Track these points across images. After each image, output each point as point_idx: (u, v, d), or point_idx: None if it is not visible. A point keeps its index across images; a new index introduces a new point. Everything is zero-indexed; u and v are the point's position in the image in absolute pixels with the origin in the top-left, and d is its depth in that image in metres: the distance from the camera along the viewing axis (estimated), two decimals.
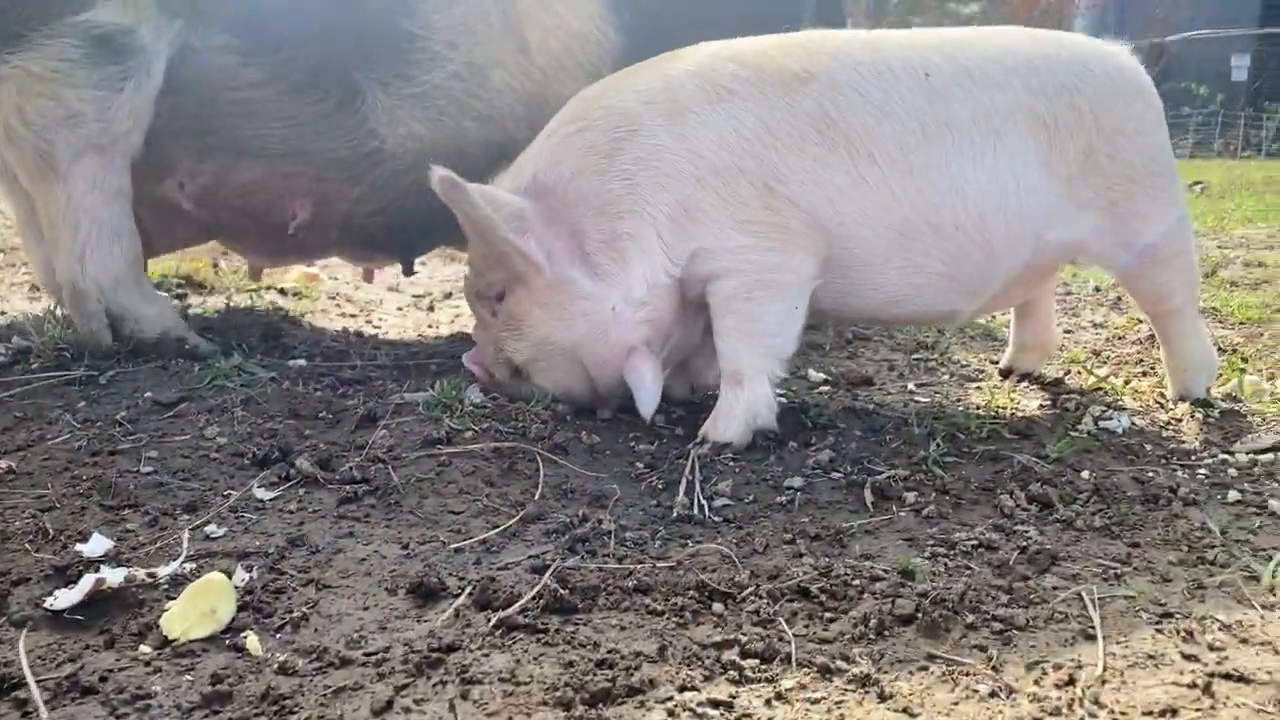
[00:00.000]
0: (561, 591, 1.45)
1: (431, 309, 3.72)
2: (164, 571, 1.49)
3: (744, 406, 2.12)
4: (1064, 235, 2.29)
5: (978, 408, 2.47)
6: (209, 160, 2.62)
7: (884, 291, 2.22)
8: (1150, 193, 2.33)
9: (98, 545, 1.57)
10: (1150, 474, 1.98)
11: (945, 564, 1.60)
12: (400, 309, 3.71)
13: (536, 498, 1.84)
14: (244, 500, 1.80)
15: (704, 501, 1.84)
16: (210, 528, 1.69)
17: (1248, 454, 2.14)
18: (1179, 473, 2.02)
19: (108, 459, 1.96)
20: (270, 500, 1.81)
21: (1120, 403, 2.51)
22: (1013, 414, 2.42)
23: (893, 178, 2.12)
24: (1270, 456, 2.12)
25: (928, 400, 2.57)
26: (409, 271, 3.13)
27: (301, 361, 2.69)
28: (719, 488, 1.89)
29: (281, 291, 3.77)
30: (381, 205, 2.69)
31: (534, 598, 1.44)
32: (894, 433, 2.22)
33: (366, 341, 3.06)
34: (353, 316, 3.51)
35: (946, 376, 2.85)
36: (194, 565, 1.54)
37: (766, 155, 2.09)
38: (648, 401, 2.16)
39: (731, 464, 2.02)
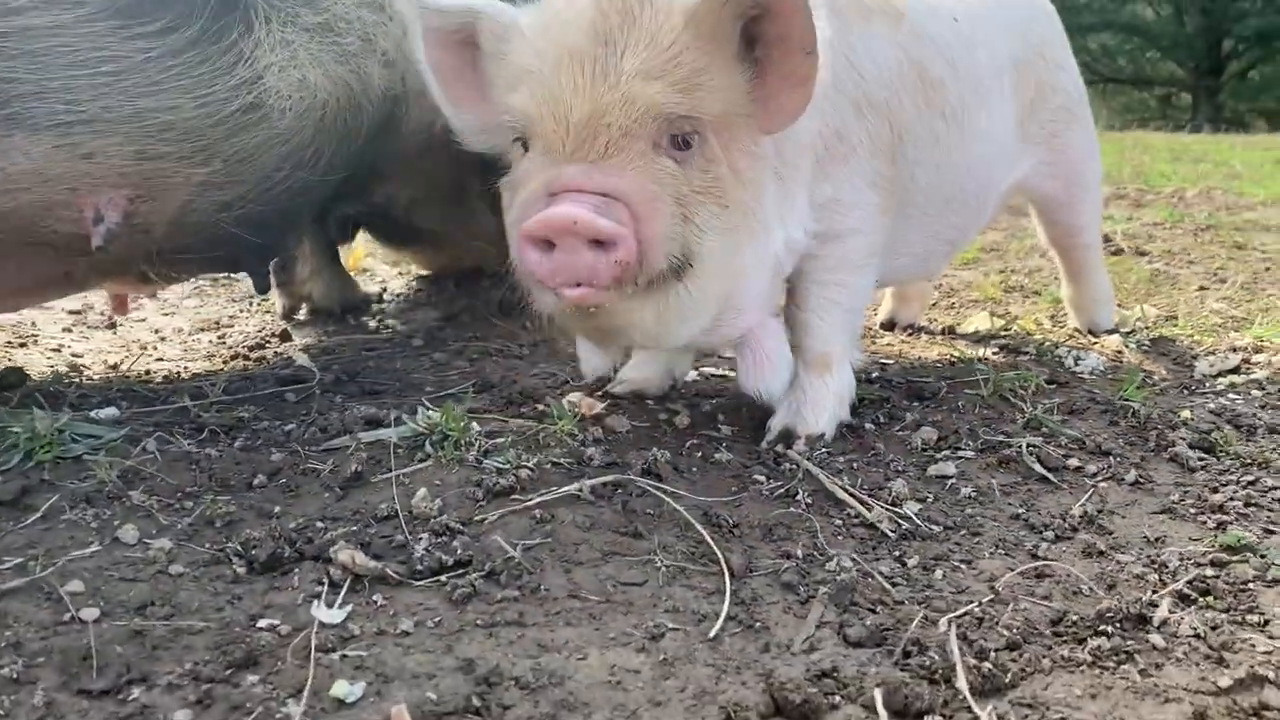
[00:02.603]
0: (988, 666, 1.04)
1: (222, 335, 2.80)
2: None
3: (834, 393, 1.75)
4: (1015, 176, 2.20)
5: (949, 362, 2.29)
6: None
7: (900, 261, 1.96)
8: (1081, 122, 2.31)
9: None
10: (1219, 406, 1.93)
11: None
12: (163, 337, 2.77)
13: (705, 553, 1.36)
14: (312, 635, 1.13)
15: (904, 511, 1.47)
16: (333, 687, 1.03)
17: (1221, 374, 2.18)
18: (1220, 400, 1.99)
19: (51, 618, 1.15)
20: (345, 623, 1.16)
21: (1067, 343, 2.47)
22: (1000, 363, 2.28)
23: (953, 138, 1.85)
24: (1239, 377, 2.17)
25: (894, 365, 2.35)
26: (266, 287, 2.27)
27: (112, 410, 1.85)
28: (893, 489, 1.53)
29: None
30: (242, 192, 1.82)
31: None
32: (937, 400, 1.97)
33: (173, 379, 2.22)
34: (124, 349, 2.56)
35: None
36: None
37: (896, 97, 1.72)
38: (781, 377, 1.68)
39: (837, 460, 1.66)
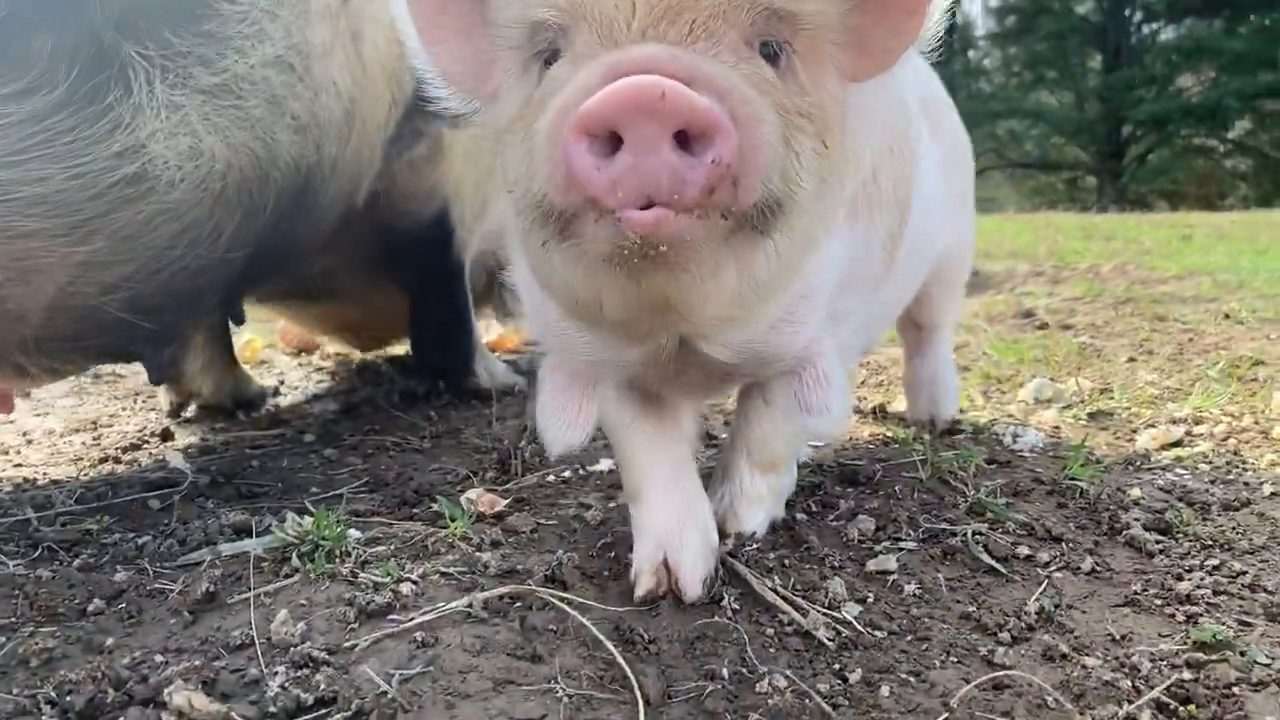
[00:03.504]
0: None
1: (97, 436, 2.54)
2: None
3: (773, 491, 1.56)
4: (941, 246, 2.08)
5: (882, 442, 2.15)
6: None
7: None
8: (971, 189, 2.20)
9: None
10: (1168, 483, 1.81)
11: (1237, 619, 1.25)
12: (29, 440, 2.50)
13: (616, 676, 1.17)
14: None
15: (843, 615, 1.29)
16: None
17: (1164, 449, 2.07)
18: (1168, 475, 1.87)
19: None
20: None
21: (1004, 419, 2.34)
22: (936, 442, 2.14)
23: (935, 180, 1.72)
24: (1183, 450, 2.06)
25: (825, 446, 2.20)
26: (163, 378, 2.02)
27: None
28: (830, 590, 1.35)
29: None
30: (128, 273, 1.61)
31: None
32: (872, 485, 1.81)
33: (25, 487, 1.97)
34: None
35: None
36: None
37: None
38: (841, 403, 1.40)
39: (766, 557, 1.48)
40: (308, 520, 1.48)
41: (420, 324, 2.57)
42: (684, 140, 0.89)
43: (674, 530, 1.36)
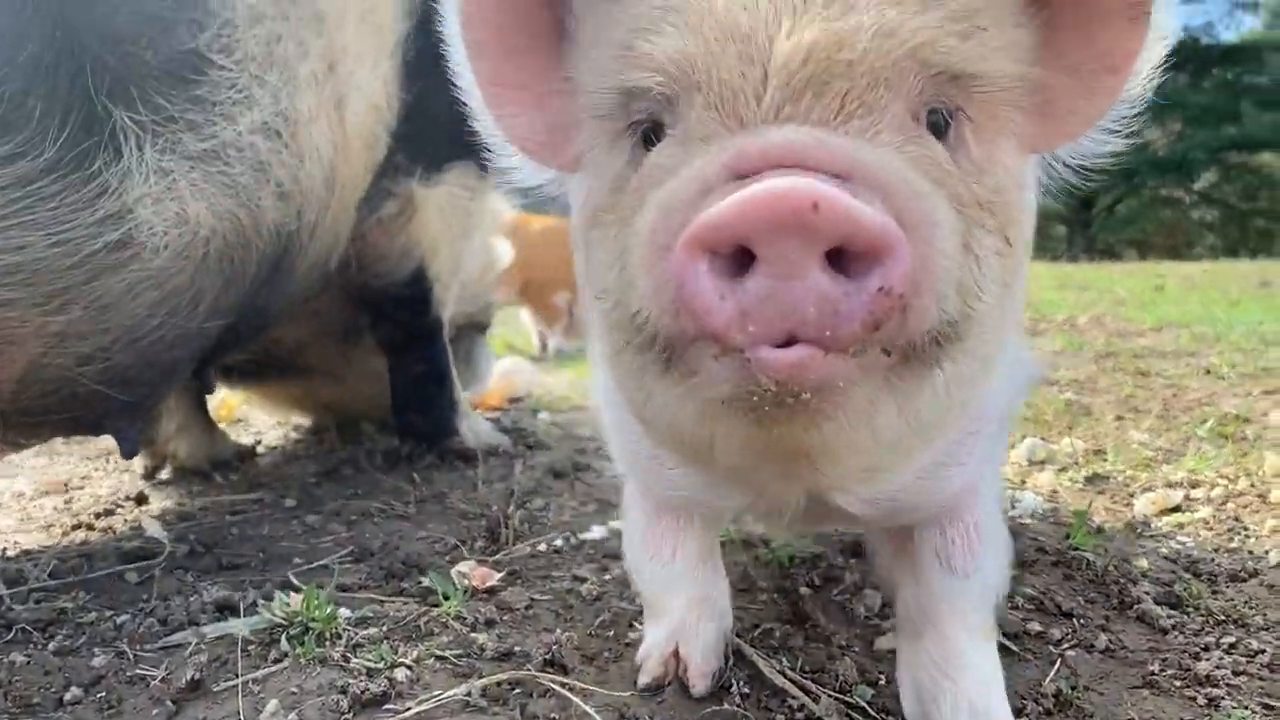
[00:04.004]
0: None
1: (68, 500, 2.45)
2: None
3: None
4: None
5: None
6: None
7: None
8: None
9: None
10: (1172, 551, 1.78)
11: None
12: None
13: None
14: None
15: (854, 700, 1.24)
16: None
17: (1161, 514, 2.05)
18: (1171, 544, 1.84)
19: None
20: None
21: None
22: None
23: None
24: (1183, 515, 2.04)
25: None
26: (134, 451, 1.95)
27: None
28: (839, 672, 1.30)
29: None
30: (105, 344, 1.54)
31: None
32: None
33: None
34: None
35: None
36: None
37: None
38: (991, 585, 1.17)
39: (771, 637, 1.44)
40: (296, 599, 1.42)
41: (400, 384, 2.52)
42: (837, 256, 0.67)
43: (689, 621, 1.28)
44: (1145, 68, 0.86)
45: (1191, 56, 23.47)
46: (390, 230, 2.34)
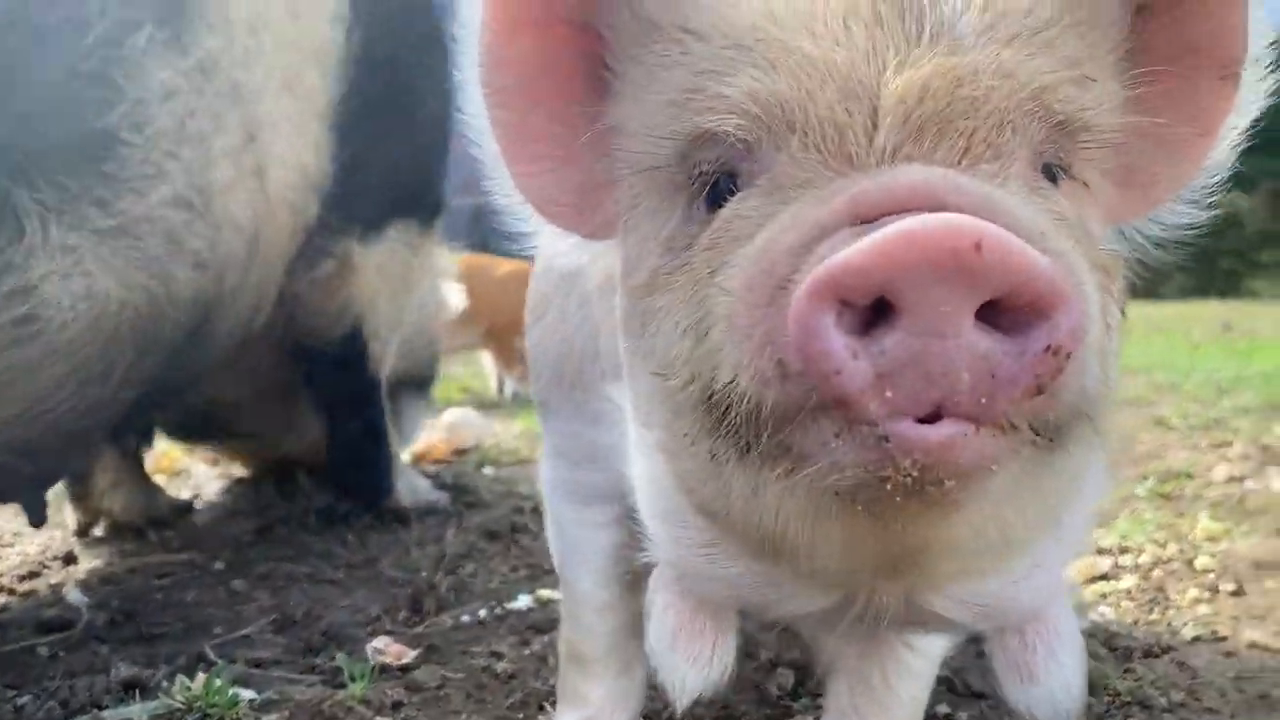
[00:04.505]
0: None
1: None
2: None
3: None
4: None
5: None
6: None
7: None
8: None
9: None
10: (1092, 625, 1.79)
11: None
12: None
13: None
14: None
15: None
16: None
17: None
18: (1092, 616, 1.85)
19: None
20: None
21: None
22: None
23: None
24: (1108, 585, 2.05)
25: None
26: (42, 521, 1.91)
27: None
28: None
29: None
30: (9, 416, 1.53)
31: None
32: (792, 632, 1.77)
33: None
34: None
35: None
36: None
37: None
38: (1075, 672, 0.87)
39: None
40: (199, 681, 1.40)
41: (336, 444, 2.50)
42: (988, 315, 0.56)
43: (606, 710, 1.24)
44: (1232, 133, 0.78)
45: None
46: (327, 289, 2.33)
